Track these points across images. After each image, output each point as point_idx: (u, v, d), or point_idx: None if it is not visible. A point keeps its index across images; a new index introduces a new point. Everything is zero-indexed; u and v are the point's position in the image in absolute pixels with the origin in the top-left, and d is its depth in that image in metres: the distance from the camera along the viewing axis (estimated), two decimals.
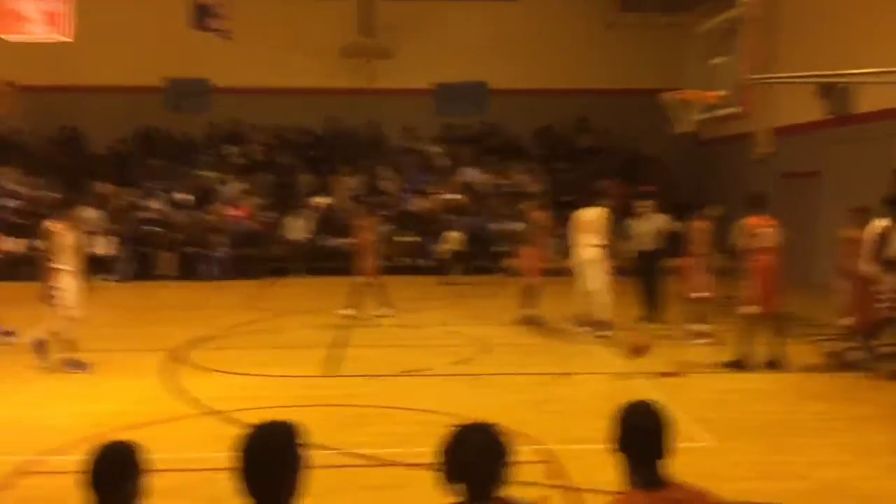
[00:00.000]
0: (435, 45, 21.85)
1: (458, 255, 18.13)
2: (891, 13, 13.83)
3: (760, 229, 9.21)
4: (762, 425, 7.20)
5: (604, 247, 11.21)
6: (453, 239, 18.12)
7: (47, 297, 9.01)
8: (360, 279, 12.86)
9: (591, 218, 11.38)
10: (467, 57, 21.75)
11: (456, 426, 2.68)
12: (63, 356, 9.14)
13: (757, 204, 9.49)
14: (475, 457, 2.59)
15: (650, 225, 11.99)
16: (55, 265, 9.03)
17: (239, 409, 7.34)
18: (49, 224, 9.21)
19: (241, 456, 2.61)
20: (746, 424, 7.22)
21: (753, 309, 9.15)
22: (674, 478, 2.85)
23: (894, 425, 7.18)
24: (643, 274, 12.14)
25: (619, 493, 2.91)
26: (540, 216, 12.27)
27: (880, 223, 9.09)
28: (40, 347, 9.19)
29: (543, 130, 23.10)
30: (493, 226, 19.15)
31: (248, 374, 9.04)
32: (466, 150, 22.59)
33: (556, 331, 11.73)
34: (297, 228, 19.34)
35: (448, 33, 21.93)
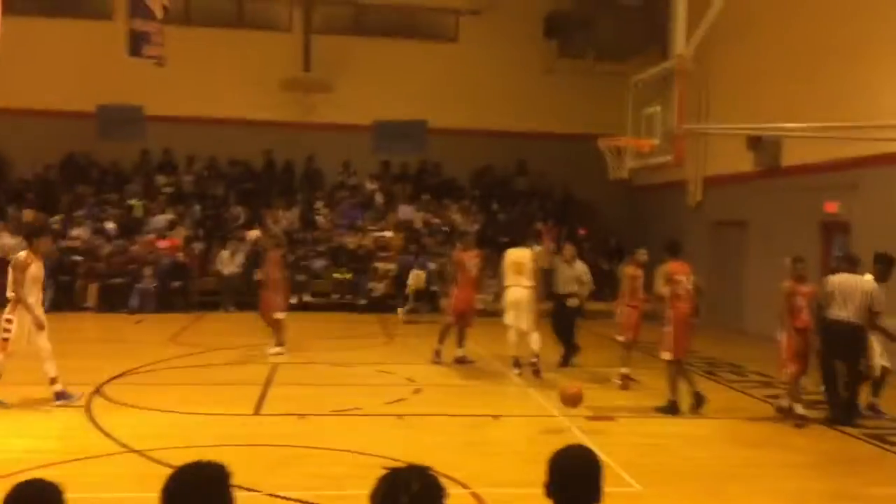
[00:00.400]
0: (375, 83, 21.92)
1: (419, 294, 18.03)
2: (819, 71, 14.40)
3: (677, 275, 9.39)
4: (691, 471, 7.25)
5: (533, 288, 11.28)
6: (417, 277, 17.99)
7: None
8: (267, 315, 12.72)
9: (522, 259, 11.45)
10: (407, 95, 21.87)
11: (389, 469, 2.61)
12: None
13: (673, 250, 9.69)
14: (411, 502, 2.50)
15: (571, 270, 12.04)
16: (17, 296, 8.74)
17: (163, 448, 7.09)
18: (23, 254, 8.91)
19: (167, 498, 2.50)
20: (675, 470, 7.26)
21: (669, 355, 9.31)
22: None
23: (824, 473, 7.31)
24: (557, 317, 12.20)
25: None
26: (464, 256, 12.27)
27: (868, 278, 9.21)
28: None
29: (481, 171, 23.31)
30: (429, 265, 19.12)
31: (172, 412, 8.73)
32: (403, 188, 22.64)
33: (488, 372, 11.70)
34: (228, 261, 19.00)
35: (389, 71, 22.04)
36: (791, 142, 12.63)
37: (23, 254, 8.92)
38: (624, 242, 21.53)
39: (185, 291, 18.40)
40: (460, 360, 12.09)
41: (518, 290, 11.26)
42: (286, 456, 7.29)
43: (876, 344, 9.17)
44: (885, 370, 9.32)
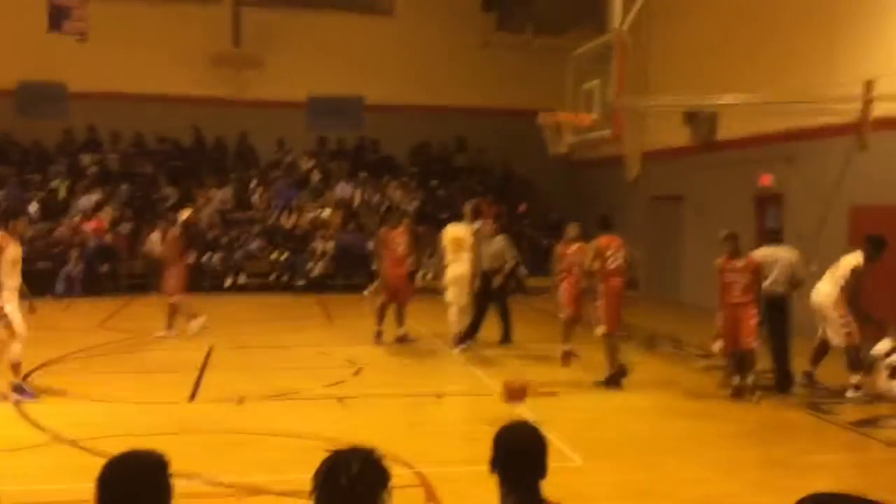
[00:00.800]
0: (309, 57, 21.48)
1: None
2: (755, 45, 14.58)
3: (608, 250, 9.42)
4: (630, 444, 7.30)
5: (472, 264, 11.21)
6: None
7: None
8: (165, 296, 12.54)
9: (461, 235, 11.35)
10: (342, 70, 21.51)
11: (332, 451, 2.53)
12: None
13: (604, 224, 9.72)
14: (352, 483, 2.42)
15: (489, 247, 11.83)
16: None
17: (96, 438, 6.86)
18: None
19: (103, 488, 2.38)
20: (615, 443, 7.30)
21: (604, 329, 9.40)
22: (549, 499, 2.81)
23: (758, 442, 7.43)
24: (485, 294, 12.01)
25: None
26: (389, 234, 12.12)
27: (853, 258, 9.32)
28: None
29: (420, 148, 23.13)
30: (368, 243, 18.93)
31: (104, 400, 8.46)
32: (340, 166, 22.34)
33: (430, 350, 11.62)
34: (158, 243, 18.47)
35: (322, 46, 21.61)
36: (726, 116, 12.80)
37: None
38: (564, 218, 21.67)
39: (114, 275, 17.86)
40: (401, 339, 11.99)
41: (458, 266, 11.18)
42: (224, 442, 7.14)
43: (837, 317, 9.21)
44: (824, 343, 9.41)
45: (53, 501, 5.49)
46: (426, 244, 12.89)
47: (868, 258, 9.21)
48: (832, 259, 11.98)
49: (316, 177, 21.73)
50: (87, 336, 12.45)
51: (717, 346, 9.15)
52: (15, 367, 8.50)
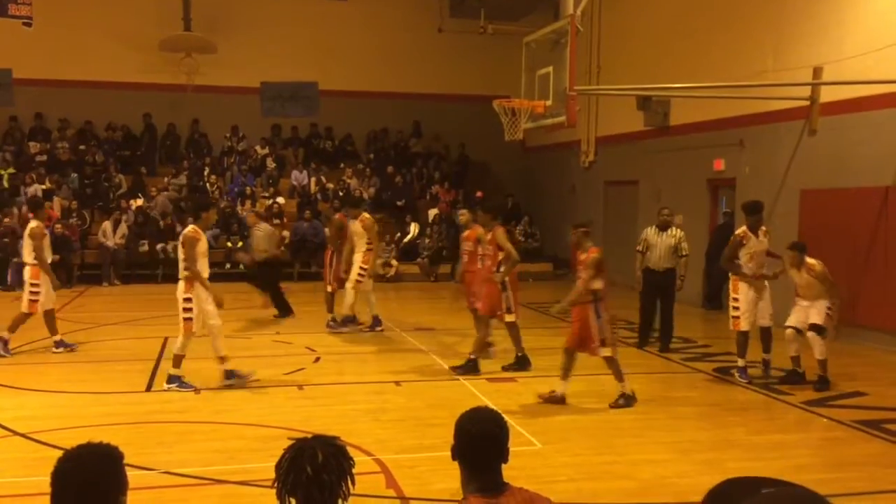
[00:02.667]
0: (262, 43, 21.19)
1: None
2: (707, 31, 14.75)
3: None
4: (587, 427, 7.39)
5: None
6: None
7: None
8: None
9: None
10: (296, 56, 21.28)
11: (295, 440, 2.53)
12: None
13: (495, 213, 9.82)
14: (317, 472, 2.43)
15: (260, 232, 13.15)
16: None
17: (50, 430, 6.78)
18: None
19: (57, 482, 2.36)
20: (573, 427, 7.38)
21: (513, 317, 9.60)
22: (511, 484, 2.82)
23: (713, 423, 7.57)
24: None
25: (456, 501, 2.85)
26: (345, 222, 12.20)
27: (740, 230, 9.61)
28: None
29: (376, 134, 23.02)
30: (324, 231, 18.80)
31: (58, 392, 8.34)
32: (295, 153, 22.14)
33: (388, 338, 11.63)
34: (110, 233, 18.17)
35: (276, 30, 21.35)
36: (680, 101, 12.95)
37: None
38: (521, 203, 21.79)
39: (66, 265, 17.50)
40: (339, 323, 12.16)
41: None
42: (181, 432, 7.08)
43: (764, 304, 9.35)
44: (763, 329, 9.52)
45: (7, 494, 5.38)
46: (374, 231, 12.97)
47: (749, 226, 9.36)
48: (784, 241, 12.26)
49: (270, 164, 21.52)
50: (40, 327, 12.20)
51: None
52: (222, 360, 8.69)
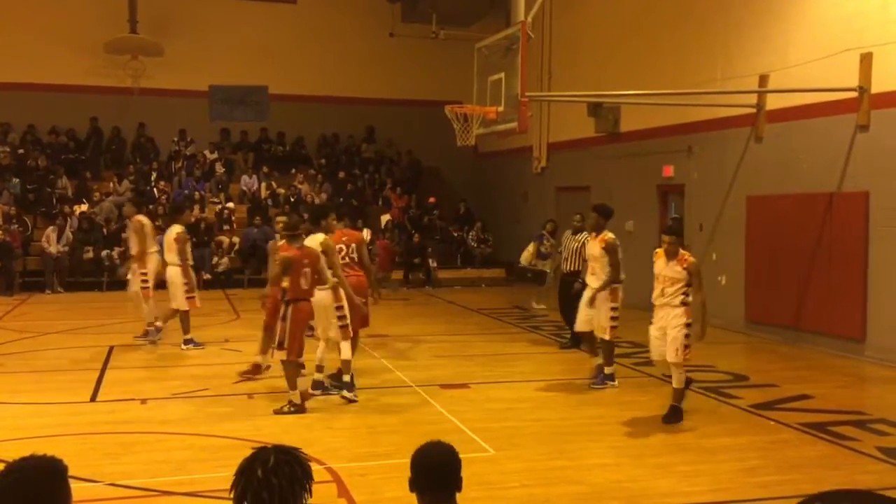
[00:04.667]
0: (210, 46, 20.92)
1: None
2: (657, 39, 14.93)
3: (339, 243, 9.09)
4: (540, 432, 7.39)
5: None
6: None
7: None
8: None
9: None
10: (246, 60, 21.04)
11: (254, 449, 2.51)
12: None
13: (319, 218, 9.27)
14: (267, 475, 2.41)
15: None
16: None
17: None
18: None
19: None
20: (526, 432, 7.37)
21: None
22: None
23: (660, 427, 7.61)
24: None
25: None
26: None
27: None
28: None
29: (327, 139, 22.86)
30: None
31: None
32: (245, 157, 21.87)
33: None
34: (53, 239, 17.72)
35: (224, 33, 21.10)
36: (630, 108, 13.09)
37: None
38: (472, 208, 21.82)
39: (7, 272, 17.03)
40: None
41: None
42: (127, 442, 6.90)
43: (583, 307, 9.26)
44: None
45: None
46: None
47: (592, 229, 9.49)
48: (731, 247, 12.47)
49: (220, 169, 21.22)
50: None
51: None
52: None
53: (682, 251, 7.80)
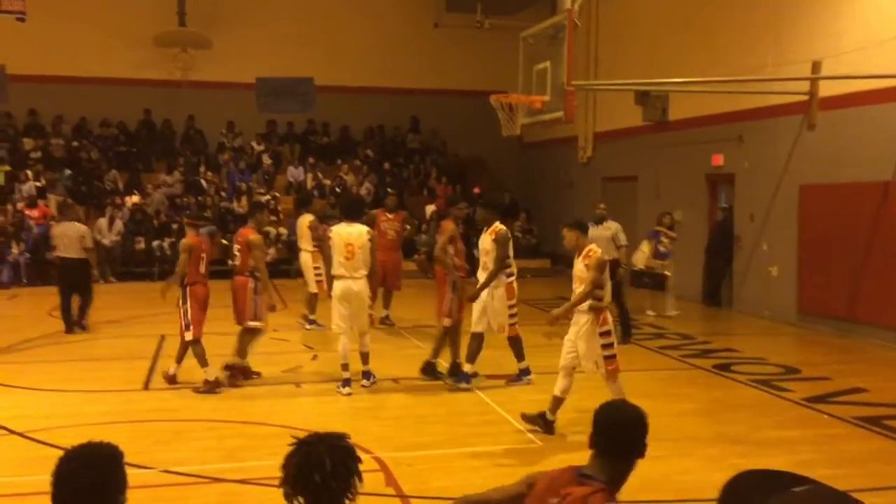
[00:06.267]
0: (257, 38, 21.09)
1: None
2: (706, 25, 14.71)
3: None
4: (587, 424, 7.21)
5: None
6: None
7: None
8: None
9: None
10: (292, 51, 21.17)
11: (300, 441, 2.52)
12: None
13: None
14: (325, 480, 2.43)
15: None
16: None
17: (47, 429, 6.73)
18: None
19: (58, 483, 2.36)
20: (573, 424, 7.28)
21: (448, 321, 8.96)
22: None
23: (713, 420, 7.53)
24: None
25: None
26: (383, 216, 12.13)
27: None
28: None
29: (374, 130, 22.94)
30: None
31: (55, 390, 8.27)
32: (291, 149, 22.05)
33: (391, 336, 11.57)
34: (106, 230, 18.07)
35: (271, 26, 21.25)
36: (678, 96, 12.86)
37: None
38: (518, 199, 21.74)
39: None
40: (384, 321, 11.99)
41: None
42: (179, 430, 7.04)
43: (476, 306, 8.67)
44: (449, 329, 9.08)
45: (5, 494, 5.33)
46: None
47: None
48: (782, 237, 12.26)
49: (267, 160, 21.43)
50: (35, 325, 12.15)
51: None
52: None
53: (590, 246, 7.09)
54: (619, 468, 2.86)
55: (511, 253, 8.66)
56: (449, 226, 9.26)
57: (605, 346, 7.02)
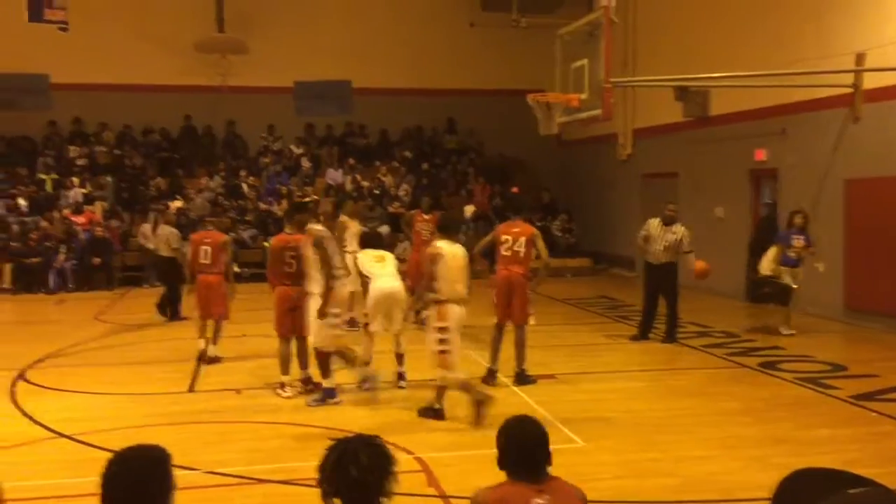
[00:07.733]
0: (294, 42, 21.24)
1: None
2: (745, 19, 14.50)
3: (504, 236, 9.04)
4: (629, 424, 7.28)
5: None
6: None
7: None
8: None
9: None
10: (329, 54, 21.31)
11: (336, 440, 2.56)
12: None
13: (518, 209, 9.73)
14: (362, 474, 2.47)
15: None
16: None
17: (95, 431, 6.84)
18: None
19: (108, 485, 2.42)
20: (614, 424, 7.28)
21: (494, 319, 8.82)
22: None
23: (758, 419, 7.42)
24: None
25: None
26: (419, 217, 12.25)
27: None
28: None
29: (411, 131, 23.00)
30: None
31: (102, 393, 8.43)
32: (330, 151, 22.20)
33: (423, 337, 11.54)
34: (150, 235, 18.35)
35: (307, 29, 21.40)
36: (719, 91, 12.72)
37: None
38: (557, 199, 21.64)
39: (107, 268, 17.73)
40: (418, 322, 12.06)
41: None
42: (223, 431, 7.11)
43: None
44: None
45: (55, 496, 5.44)
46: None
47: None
48: (828, 232, 12.01)
49: (306, 163, 21.61)
50: (82, 329, 12.38)
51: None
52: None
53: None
54: None
55: (337, 261, 8.11)
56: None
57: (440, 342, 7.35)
